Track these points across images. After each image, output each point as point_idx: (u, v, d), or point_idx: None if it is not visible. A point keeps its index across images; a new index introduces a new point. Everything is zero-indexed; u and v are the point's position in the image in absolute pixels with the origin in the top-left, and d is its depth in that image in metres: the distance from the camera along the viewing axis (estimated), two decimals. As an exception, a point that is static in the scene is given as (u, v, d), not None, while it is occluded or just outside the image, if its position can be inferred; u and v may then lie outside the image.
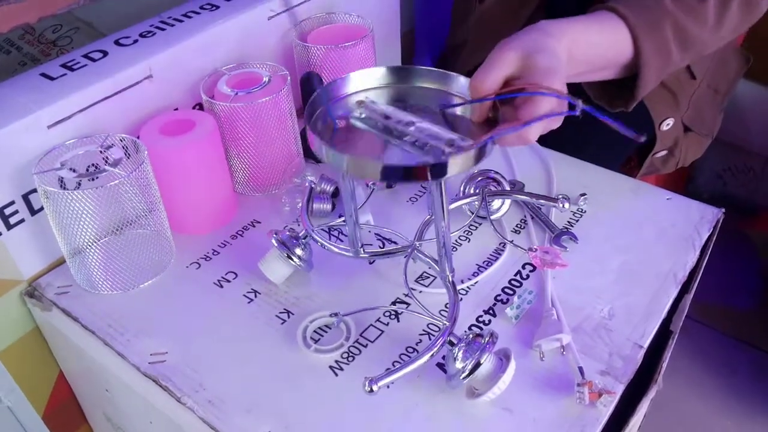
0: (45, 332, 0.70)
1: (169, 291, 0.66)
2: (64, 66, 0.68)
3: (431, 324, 0.61)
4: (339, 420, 0.54)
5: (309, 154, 0.79)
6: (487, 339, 0.51)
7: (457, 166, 0.47)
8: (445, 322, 0.54)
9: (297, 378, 0.57)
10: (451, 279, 0.58)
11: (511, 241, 0.69)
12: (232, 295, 0.65)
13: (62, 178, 0.62)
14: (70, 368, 0.73)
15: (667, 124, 0.90)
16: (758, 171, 1.51)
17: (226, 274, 0.67)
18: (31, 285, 0.67)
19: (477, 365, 0.50)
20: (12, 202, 0.63)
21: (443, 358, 0.56)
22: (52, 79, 0.66)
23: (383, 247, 0.70)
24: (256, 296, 0.65)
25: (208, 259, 0.69)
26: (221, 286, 0.66)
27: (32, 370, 0.72)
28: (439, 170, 0.46)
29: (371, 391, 0.49)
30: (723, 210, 0.73)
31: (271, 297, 0.64)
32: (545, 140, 0.83)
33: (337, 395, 0.56)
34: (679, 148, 0.94)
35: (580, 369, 0.55)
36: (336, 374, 0.57)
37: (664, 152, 0.93)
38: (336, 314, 0.61)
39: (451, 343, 0.52)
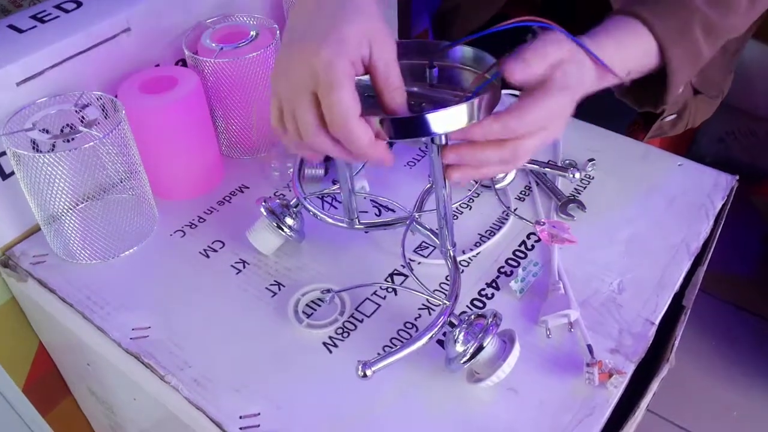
0: (22, 303, 0.66)
1: (151, 261, 0.62)
2: (34, 18, 0.63)
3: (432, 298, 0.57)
4: (333, 400, 0.51)
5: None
6: (490, 320, 0.48)
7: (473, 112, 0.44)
8: (444, 301, 0.51)
9: (288, 355, 0.54)
10: (452, 254, 0.54)
11: (515, 210, 0.65)
12: (219, 265, 0.61)
13: (34, 139, 0.57)
14: (50, 341, 0.70)
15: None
16: (762, 136, 1.48)
17: (213, 242, 0.63)
18: (5, 254, 0.63)
19: (479, 349, 0.47)
20: (-20, 166, 0.59)
21: (444, 335, 0.53)
22: (20, 31, 0.61)
23: (380, 215, 0.66)
24: (244, 267, 0.61)
25: (193, 226, 0.65)
26: (207, 256, 0.62)
27: (10, 342, 0.69)
28: (451, 118, 0.43)
29: (365, 376, 0.45)
30: (737, 177, 0.69)
31: (261, 268, 0.61)
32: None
33: (331, 374, 0.52)
34: (688, 110, 0.90)
35: (589, 347, 0.52)
36: (330, 351, 0.54)
37: (673, 116, 0.90)
38: (328, 290, 0.57)
39: (452, 325, 0.49)
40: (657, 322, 0.55)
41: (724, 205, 0.67)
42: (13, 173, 0.61)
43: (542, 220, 0.59)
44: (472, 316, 0.49)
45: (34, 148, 0.57)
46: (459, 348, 0.48)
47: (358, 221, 0.59)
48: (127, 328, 0.56)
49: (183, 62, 0.71)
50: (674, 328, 0.59)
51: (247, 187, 0.70)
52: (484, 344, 0.47)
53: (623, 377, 0.51)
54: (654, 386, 0.54)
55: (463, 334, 0.48)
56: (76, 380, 0.73)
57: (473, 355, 0.47)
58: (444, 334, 0.53)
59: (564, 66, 0.48)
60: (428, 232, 0.57)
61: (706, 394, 1.26)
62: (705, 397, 1.25)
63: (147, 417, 0.60)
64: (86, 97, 0.60)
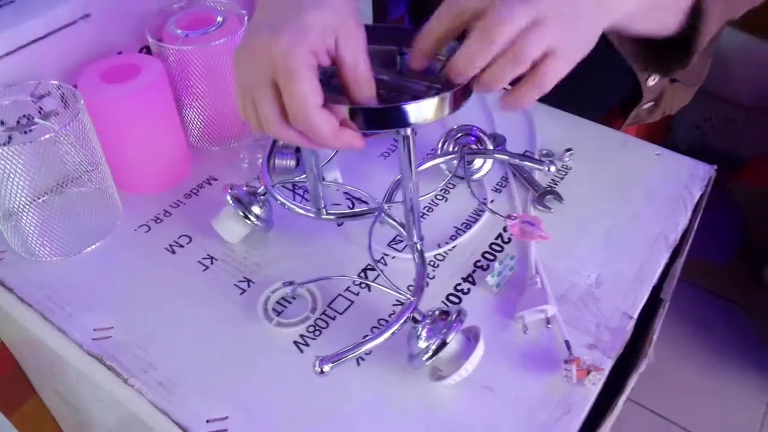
0: (-20, 302, 0.63)
1: (114, 257, 0.59)
2: (-13, 2, 0.60)
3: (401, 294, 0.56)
4: (305, 402, 0.49)
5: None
6: (454, 317, 0.47)
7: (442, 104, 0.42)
8: (410, 297, 0.49)
9: (258, 356, 0.52)
10: (419, 247, 0.52)
11: (492, 201, 0.64)
12: (186, 261, 0.59)
13: (-12, 132, 0.55)
14: (13, 341, 0.67)
15: (653, 79, 0.84)
16: (740, 122, 1.48)
17: (179, 237, 0.61)
18: (-40, 251, 0.60)
19: (442, 345, 0.46)
20: (-70, 159, 0.56)
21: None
22: (-27, 17, 0.58)
23: (353, 208, 0.64)
24: (212, 263, 0.59)
25: (158, 221, 0.63)
26: (173, 252, 0.60)
27: (-31, 342, 0.66)
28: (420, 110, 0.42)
29: (321, 372, 0.44)
30: (715, 167, 0.68)
31: (229, 264, 0.59)
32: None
33: (302, 374, 0.50)
34: (665, 98, 0.90)
35: (567, 343, 0.51)
36: (301, 350, 0.52)
37: (650, 104, 0.89)
38: (291, 283, 0.55)
39: (415, 320, 0.48)
40: (635, 316, 0.54)
41: (702, 196, 0.66)
42: (-34, 167, 0.58)
43: (513, 215, 0.58)
44: (437, 313, 0.48)
45: (-12, 140, 0.55)
46: (421, 344, 0.47)
47: (326, 211, 0.57)
48: (88, 329, 0.54)
49: (147, 49, 0.68)
50: (653, 322, 0.58)
51: (216, 179, 0.67)
52: (447, 341, 0.46)
53: (601, 374, 0.49)
54: (632, 382, 0.53)
55: (425, 330, 0.47)
56: (40, 380, 0.71)
57: (435, 352, 0.46)
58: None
59: None
60: (396, 224, 0.55)
61: (684, 381, 1.27)
62: (682, 384, 1.26)
63: (112, 419, 0.58)
64: (43, 86, 0.58)
